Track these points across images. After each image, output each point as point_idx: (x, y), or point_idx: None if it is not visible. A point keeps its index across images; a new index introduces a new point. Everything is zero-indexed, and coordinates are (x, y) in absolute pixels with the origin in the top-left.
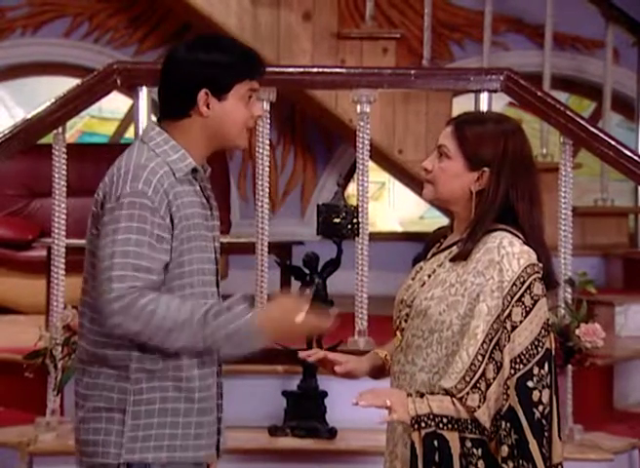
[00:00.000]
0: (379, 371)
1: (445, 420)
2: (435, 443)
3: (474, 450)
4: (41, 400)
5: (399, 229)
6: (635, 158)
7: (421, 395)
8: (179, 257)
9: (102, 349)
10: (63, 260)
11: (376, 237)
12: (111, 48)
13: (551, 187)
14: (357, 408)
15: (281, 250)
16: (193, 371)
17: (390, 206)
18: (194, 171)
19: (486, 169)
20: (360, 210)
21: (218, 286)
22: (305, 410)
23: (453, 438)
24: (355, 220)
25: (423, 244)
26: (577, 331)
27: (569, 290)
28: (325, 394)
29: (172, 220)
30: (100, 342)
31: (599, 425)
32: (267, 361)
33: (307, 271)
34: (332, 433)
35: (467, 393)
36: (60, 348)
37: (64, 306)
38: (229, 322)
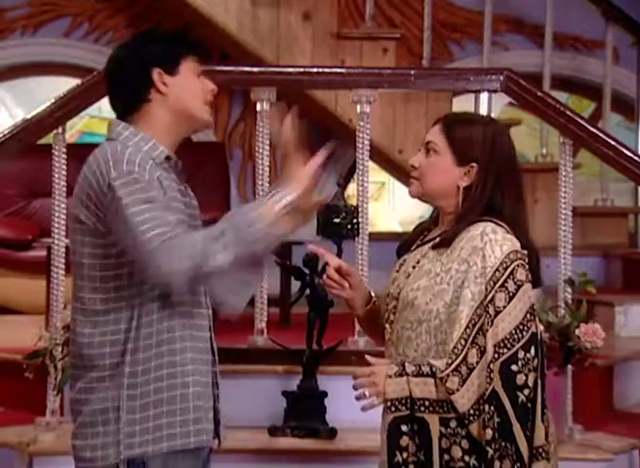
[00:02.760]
0: (370, 311)
1: (427, 403)
2: (404, 427)
3: (459, 430)
4: (41, 400)
5: (399, 229)
6: (635, 158)
7: (402, 372)
8: None
9: (97, 349)
10: (63, 260)
11: (376, 237)
12: (111, 48)
13: (551, 187)
14: (357, 407)
15: (281, 250)
16: (186, 358)
17: (390, 206)
18: (168, 159)
19: (474, 164)
20: (360, 210)
21: None
22: (305, 410)
23: (433, 421)
24: (355, 220)
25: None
26: (576, 332)
27: (569, 290)
28: (325, 394)
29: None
30: (94, 342)
31: (599, 425)
32: (267, 361)
33: (307, 271)
34: (332, 433)
35: (448, 375)
36: (59, 348)
37: (64, 306)
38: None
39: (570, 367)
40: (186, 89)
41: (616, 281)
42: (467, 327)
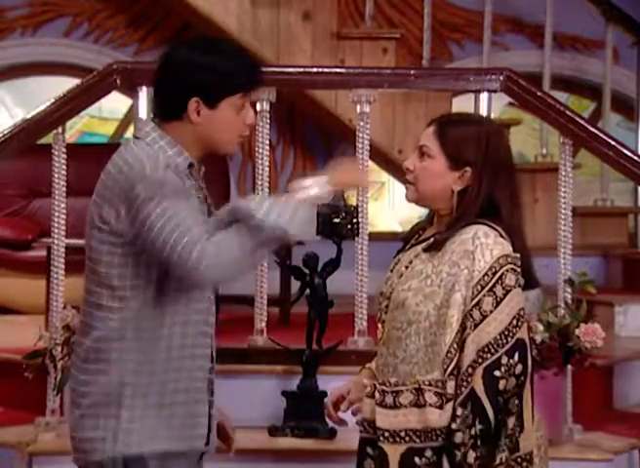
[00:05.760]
0: None
1: (387, 434)
2: (368, 449)
3: (435, 458)
4: (41, 400)
5: (399, 229)
6: (635, 158)
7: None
8: None
9: (107, 343)
10: (63, 260)
11: (375, 237)
12: (111, 48)
13: (551, 187)
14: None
15: (281, 250)
16: (190, 365)
17: (390, 206)
18: (190, 166)
19: (468, 168)
20: (360, 210)
21: None
22: (305, 410)
23: (392, 451)
24: (355, 220)
25: None
26: (576, 332)
27: (568, 290)
28: (325, 394)
29: None
30: (100, 336)
31: (599, 425)
32: (267, 361)
33: (307, 271)
34: (331, 433)
35: (445, 381)
36: (59, 348)
37: (64, 306)
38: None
39: (570, 367)
40: (220, 124)
41: (616, 281)
42: (458, 331)
